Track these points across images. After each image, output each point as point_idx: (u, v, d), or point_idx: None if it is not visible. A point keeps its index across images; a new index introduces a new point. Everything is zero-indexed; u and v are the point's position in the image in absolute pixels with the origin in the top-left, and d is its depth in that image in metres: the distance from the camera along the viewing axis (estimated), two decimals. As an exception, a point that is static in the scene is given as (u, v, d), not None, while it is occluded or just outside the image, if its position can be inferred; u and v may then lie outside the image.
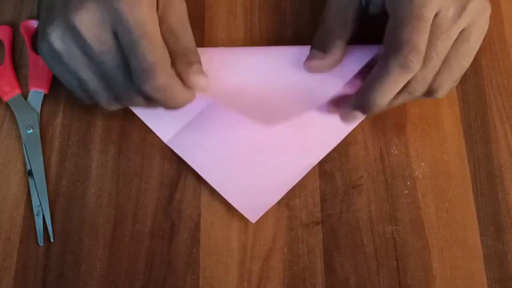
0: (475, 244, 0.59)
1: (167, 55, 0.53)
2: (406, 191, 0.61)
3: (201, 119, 0.62)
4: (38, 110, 0.63)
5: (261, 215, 0.60)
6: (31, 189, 0.60)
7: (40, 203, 0.59)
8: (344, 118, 0.58)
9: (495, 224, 0.60)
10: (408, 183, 0.62)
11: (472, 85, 0.65)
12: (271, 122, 0.60)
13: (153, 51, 0.51)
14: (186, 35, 0.57)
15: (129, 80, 0.53)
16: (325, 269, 0.58)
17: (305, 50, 0.60)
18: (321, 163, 0.62)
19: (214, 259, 0.58)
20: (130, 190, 0.61)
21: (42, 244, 0.58)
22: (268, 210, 0.60)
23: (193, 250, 0.59)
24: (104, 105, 0.56)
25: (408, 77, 0.53)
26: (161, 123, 0.62)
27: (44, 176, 0.60)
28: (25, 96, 0.63)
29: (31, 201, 0.60)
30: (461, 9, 0.53)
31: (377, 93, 0.54)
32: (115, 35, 0.52)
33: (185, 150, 0.61)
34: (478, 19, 0.55)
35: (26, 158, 0.61)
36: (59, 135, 0.63)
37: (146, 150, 0.62)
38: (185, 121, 0.62)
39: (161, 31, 0.54)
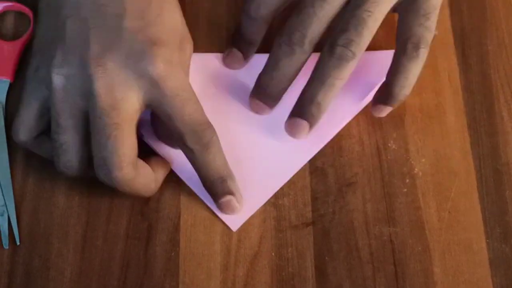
0: (480, 248, 0.59)
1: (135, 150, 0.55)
2: (405, 190, 0.61)
3: None
4: (3, 100, 0.62)
5: (243, 222, 0.60)
6: None
7: (5, 203, 0.58)
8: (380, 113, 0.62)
9: (502, 226, 0.60)
10: (407, 180, 0.61)
11: (477, 74, 0.65)
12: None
13: (124, 144, 0.53)
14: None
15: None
16: (317, 274, 0.57)
17: None
18: (312, 159, 0.62)
19: (195, 264, 0.57)
20: (103, 189, 0.58)
21: (7, 247, 0.57)
22: (254, 212, 0.59)
23: (172, 254, 0.58)
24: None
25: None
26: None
27: (9, 173, 0.59)
28: None
29: None
30: None
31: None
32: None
33: (163, 147, 0.60)
34: None
35: None
36: None
37: None
38: None
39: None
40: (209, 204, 0.59)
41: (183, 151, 0.57)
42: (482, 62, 0.66)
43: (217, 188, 0.58)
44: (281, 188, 0.61)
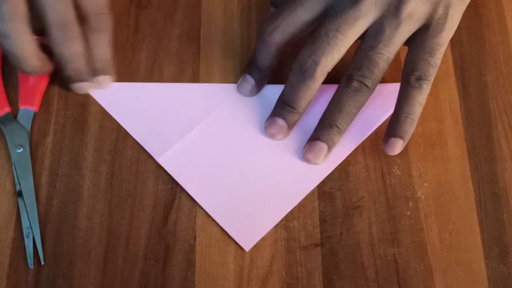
0: (479, 267, 0.60)
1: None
2: (408, 212, 0.62)
3: (195, 138, 0.65)
4: (28, 128, 0.64)
5: (255, 242, 0.61)
6: (21, 211, 0.61)
7: (30, 225, 0.60)
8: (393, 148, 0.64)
9: (500, 247, 0.61)
10: (410, 204, 0.63)
11: (476, 103, 0.67)
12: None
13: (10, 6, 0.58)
14: None
15: None
16: (325, 292, 0.60)
17: None
18: (321, 184, 0.64)
19: (209, 283, 0.59)
20: (123, 211, 0.62)
21: (32, 267, 0.59)
22: (266, 233, 0.61)
23: (188, 273, 0.60)
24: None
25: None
26: (154, 141, 0.64)
27: (34, 197, 0.62)
28: (14, 114, 0.65)
29: (21, 222, 0.61)
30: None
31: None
32: None
33: (178, 170, 0.63)
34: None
35: (16, 179, 0.62)
36: (50, 155, 0.64)
37: (140, 170, 0.64)
38: (178, 139, 0.64)
39: None
40: (223, 226, 0.61)
41: (85, 30, 0.62)
42: (481, 92, 0.67)
43: (104, 65, 0.65)
44: (291, 211, 0.62)
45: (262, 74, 0.67)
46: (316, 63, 0.61)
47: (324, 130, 0.63)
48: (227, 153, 0.65)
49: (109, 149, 0.65)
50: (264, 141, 0.65)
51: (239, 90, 0.67)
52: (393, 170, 0.64)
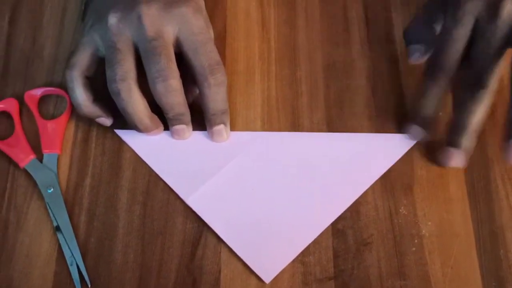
0: None
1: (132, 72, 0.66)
2: (414, 248, 0.65)
3: (220, 180, 0.69)
4: (55, 170, 0.70)
5: (275, 275, 0.64)
6: (61, 243, 0.66)
7: (72, 254, 0.65)
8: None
9: (497, 280, 0.64)
10: (416, 241, 0.66)
11: (476, 149, 0.68)
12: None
13: (122, 64, 0.65)
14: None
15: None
16: (338, 322, 0.62)
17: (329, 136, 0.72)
18: (334, 222, 0.67)
19: None
20: (154, 248, 0.66)
21: None
22: (284, 266, 0.65)
23: None
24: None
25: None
26: (183, 184, 0.69)
27: (71, 230, 0.67)
28: (40, 159, 0.70)
29: (61, 256, 0.65)
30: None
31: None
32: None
33: (205, 210, 0.67)
34: None
35: (52, 215, 0.67)
36: (88, 196, 0.69)
37: (170, 210, 0.67)
38: (204, 181, 0.69)
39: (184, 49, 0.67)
40: (245, 260, 0.65)
41: (200, 85, 0.67)
42: (480, 138, 0.68)
43: (217, 118, 0.69)
44: (307, 247, 0.65)
45: (430, 122, 0.69)
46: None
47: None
48: (249, 194, 0.68)
49: (142, 191, 0.69)
50: (283, 183, 0.69)
51: (410, 137, 0.70)
52: (400, 210, 0.67)
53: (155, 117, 0.69)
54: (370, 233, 0.67)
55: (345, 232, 0.67)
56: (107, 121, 0.71)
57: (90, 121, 0.72)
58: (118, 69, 0.65)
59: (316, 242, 0.66)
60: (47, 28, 0.79)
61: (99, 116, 0.70)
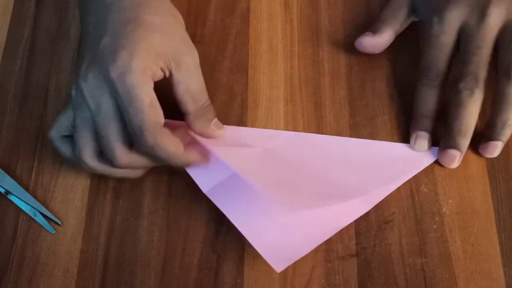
0: (498, 275, 0.64)
1: (159, 116, 0.63)
2: (435, 226, 0.66)
3: (237, 178, 0.67)
4: None
5: (287, 265, 0.63)
6: (17, 203, 0.69)
7: (31, 206, 0.69)
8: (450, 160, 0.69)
9: None
10: (436, 218, 0.66)
11: None
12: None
13: (141, 113, 0.61)
14: (202, 94, 0.67)
15: (117, 139, 0.63)
16: (360, 298, 0.64)
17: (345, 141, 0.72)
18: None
19: None
20: (179, 226, 0.67)
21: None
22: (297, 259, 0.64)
23: (238, 281, 0.65)
24: (85, 158, 0.64)
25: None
26: (202, 175, 0.68)
27: (19, 186, 0.70)
28: None
29: (24, 214, 0.69)
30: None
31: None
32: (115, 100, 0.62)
33: (222, 201, 0.66)
34: None
35: None
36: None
37: (194, 189, 0.67)
38: (224, 176, 0.67)
39: (178, 91, 0.65)
40: (257, 248, 0.62)
41: (186, 114, 0.66)
42: None
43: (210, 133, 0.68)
44: None
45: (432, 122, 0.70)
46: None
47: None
48: (270, 187, 0.66)
49: (167, 169, 0.69)
50: (308, 179, 0.68)
51: (416, 149, 0.70)
52: (421, 188, 0.68)
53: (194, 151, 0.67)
54: (392, 211, 0.67)
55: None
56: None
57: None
58: (143, 117, 0.62)
59: (338, 220, 0.67)
60: (73, 9, 0.80)
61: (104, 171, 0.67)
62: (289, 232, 0.64)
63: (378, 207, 0.68)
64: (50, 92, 0.76)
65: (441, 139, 0.69)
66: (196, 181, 0.68)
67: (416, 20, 0.74)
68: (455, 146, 0.67)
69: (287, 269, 0.65)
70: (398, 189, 0.68)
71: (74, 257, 0.67)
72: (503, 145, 0.68)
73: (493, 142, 0.68)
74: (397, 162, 0.70)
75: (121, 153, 0.63)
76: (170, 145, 0.63)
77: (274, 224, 0.64)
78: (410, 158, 0.70)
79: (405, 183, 0.69)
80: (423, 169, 0.69)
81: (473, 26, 0.67)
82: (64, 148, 0.67)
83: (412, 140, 0.70)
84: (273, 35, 0.78)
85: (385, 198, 0.68)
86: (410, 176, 0.69)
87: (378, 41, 0.73)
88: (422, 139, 0.69)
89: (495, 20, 0.67)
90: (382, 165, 0.69)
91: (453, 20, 0.68)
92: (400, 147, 0.70)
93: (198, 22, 0.78)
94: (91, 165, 0.65)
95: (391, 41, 0.73)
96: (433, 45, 0.69)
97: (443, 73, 0.69)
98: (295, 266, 0.65)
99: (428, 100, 0.69)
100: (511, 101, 0.65)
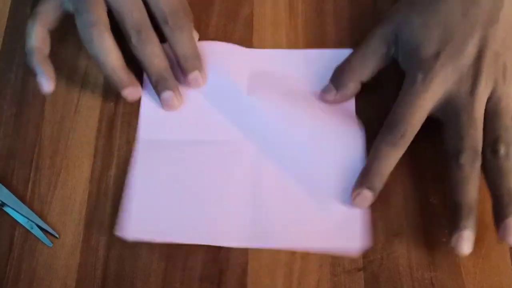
0: None
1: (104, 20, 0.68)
2: (444, 239, 0.65)
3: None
4: None
5: (136, 238, 0.66)
6: (12, 215, 0.69)
7: (28, 218, 0.69)
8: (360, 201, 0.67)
9: None
10: (446, 231, 0.65)
11: None
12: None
13: (93, 11, 0.67)
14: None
15: None
16: (367, 313, 0.63)
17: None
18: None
19: None
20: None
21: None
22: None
23: None
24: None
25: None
26: (151, 120, 0.73)
27: (15, 198, 0.69)
28: None
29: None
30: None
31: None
32: None
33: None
34: None
35: None
36: (113, 186, 0.70)
37: None
38: (169, 137, 0.72)
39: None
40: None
41: (164, 31, 0.70)
42: None
43: (189, 64, 0.71)
44: None
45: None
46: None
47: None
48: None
49: None
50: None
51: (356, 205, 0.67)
52: (430, 200, 0.67)
53: (132, 74, 0.71)
54: (400, 223, 0.67)
55: (374, 222, 0.67)
56: (46, 82, 0.70)
57: (115, 113, 0.74)
58: (89, 15, 0.67)
59: (345, 232, 0.66)
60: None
61: (42, 72, 0.70)
62: (173, 213, 0.67)
63: (386, 219, 0.67)
64: (47, 101, 0.75)
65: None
66: (139, 124, 0.72)
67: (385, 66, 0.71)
68: (469, 226, 0.64)
69: (291, 283, 0.65)
70: (407, 200, 0.68)
71: (72, 271, 0.67)
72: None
73: (507, 220, 0.63)
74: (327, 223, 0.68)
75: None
76: (107, 49, 0.68)
77: (166, 200, 0.68)
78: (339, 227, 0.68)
79: (413, 194, 0.68)
80: (431, 177, 0.69)
81: (463, 94, 0.65)
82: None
83: (354, 195, 0.67)
84: (277, 42, 0.78)
85: (393, 210, 0.68)
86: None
87: (341, 98, 0.71)
88: (364, 200, 0.67)
89: (484, 91, 0.64)
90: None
91: (440, 83, 0.65)
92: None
93: (200, 27, 0.77)
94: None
95: (358, 91, 0.71)
96: (412, 103, 0.65)
97: (414, 134, 0.65)
98: (300, 280, 0.65)
99: (390, 161, 0.66)
100: (508, 172, 0.64)
